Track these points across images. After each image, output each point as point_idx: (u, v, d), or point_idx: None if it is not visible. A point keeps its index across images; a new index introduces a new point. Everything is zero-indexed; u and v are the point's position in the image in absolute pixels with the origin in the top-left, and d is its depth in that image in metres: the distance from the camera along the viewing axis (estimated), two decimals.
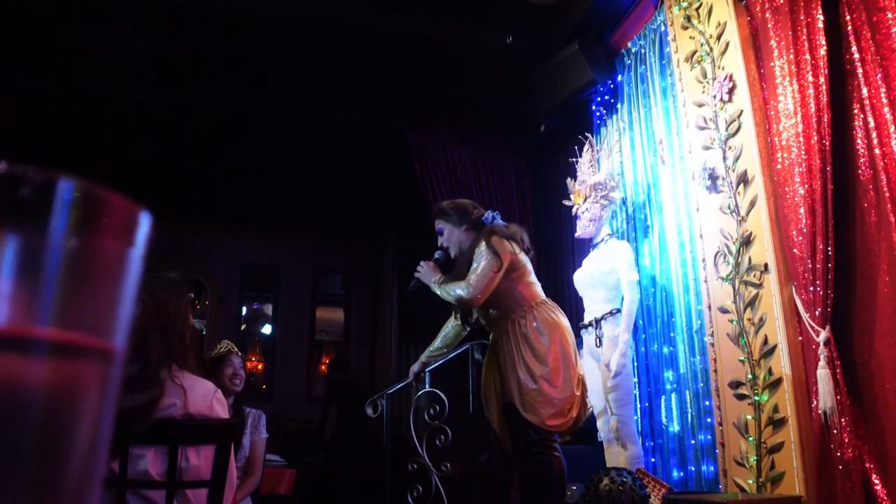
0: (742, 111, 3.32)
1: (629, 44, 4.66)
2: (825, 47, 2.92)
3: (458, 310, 3.21)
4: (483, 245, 2.98)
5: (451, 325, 3.44)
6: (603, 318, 4.03)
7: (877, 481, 2.63)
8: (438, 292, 3.07)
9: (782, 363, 2.99)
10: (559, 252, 5.40)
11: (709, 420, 3.53)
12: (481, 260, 2.94)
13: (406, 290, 3.26)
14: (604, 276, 4.07)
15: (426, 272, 3.12)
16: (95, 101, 5.39)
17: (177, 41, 4.90)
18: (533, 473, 2.94)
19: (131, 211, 0.28)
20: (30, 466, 0.25)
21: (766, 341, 3.08)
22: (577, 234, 4.47)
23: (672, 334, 3.96)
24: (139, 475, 1.76)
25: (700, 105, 3.59)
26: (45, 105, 5.49)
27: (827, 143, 2.86)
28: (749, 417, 3.11)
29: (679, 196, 3.95)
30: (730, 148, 3.37)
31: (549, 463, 2.90)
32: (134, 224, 0.28)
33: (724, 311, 3.31)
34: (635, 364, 4.25)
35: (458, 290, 2.94)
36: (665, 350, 4.01)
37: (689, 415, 3.73)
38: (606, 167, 4.59)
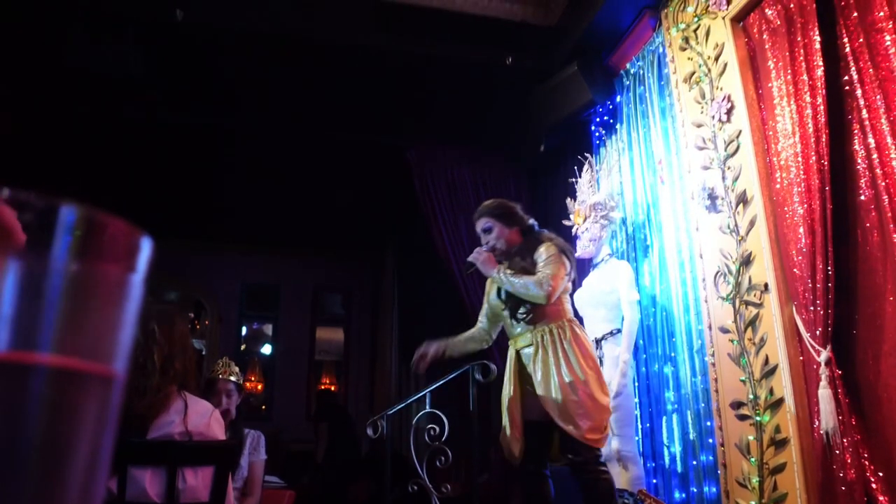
0: (741, 131, 3.34)
1: (628, 65, 4.68)
2: (822, 68, 2.94)
3: (509, 305, 3.18)
4: (554, 250, 3.06)
5: (475, 330, 3.42)
6: (603, 337, 4.02)
7: (883, 501, 2.60)
8: (503, 281, 3.07)
9: (783, 383, 2.98)
10: None
11: (710, 440, 3.51)
12: (555, 263, 3.00)
13: (465, 271, 3.38)
14: (604, 296, 4.07)
15: (485, 261, 3.13)
16: (96, 119, 5.41)
17: (178, 60, 4.92)
18: (587, 491, 2.92)
19: (132, 236, 0.28)
20: (30, 489, 0.25)
21: (766, 361, 3.07)
22: (577, 254, 4.45)
23: (673, 354, 3.94)
24: (137, 495, 1.75)
25: (699, 125, 3.61)
26: (46, 123, 5.51)
27: (825, 163, 2.87)
28: (751, 438, 3.09)
29: (679, 216, 3.96)
30: (729, 168, 3.38)
31: (598, 480, 2.90)
32: (135, 249, 0.28)
33: (724, 330, 3.30)
34: (636, 384, 4.23)
35: (530, 283, 2.96)
36: (666, 370, 3.99)
37: (691, 435, 3.71)
38: (606, 187, 4.60)
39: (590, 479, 2.90)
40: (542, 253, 3.04)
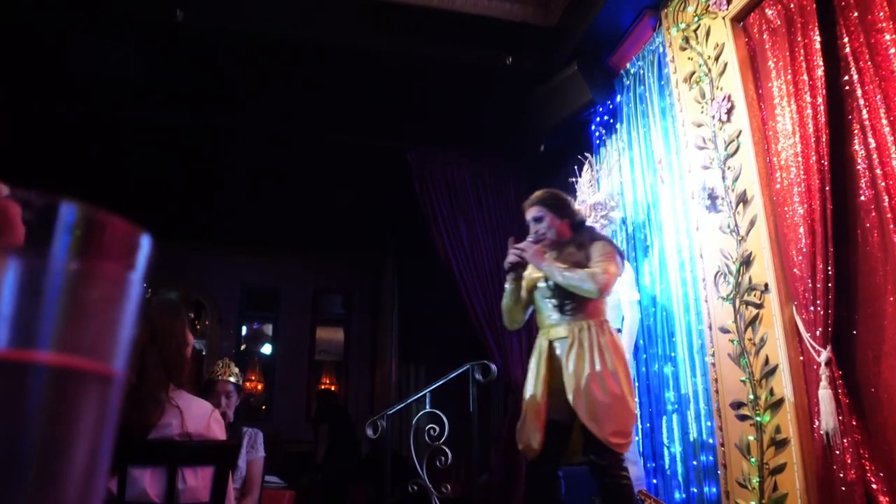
0: (741, 131, 3.34)
1: (628, 65, 4.69)
2: (822, 68, 2.94)
3: (555, 297, 3.11)
4: (611, 248, 3.07)
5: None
6: None
7: (883, 501, 2.60)
8: (553, 274, 3.02)
9: (784, 383, 2.98)
10: None
11: (710, 441, 3.51)
12: (610, 260, 3.00)
13: (511, 266, 3.17)
14: None
15: (535, 253, 3.08)
16: (97, 120, 5.41)
17: (178, 61, 4.92)
18: (606, 495, 2.89)
19: (132, 234, 0.28)
20: (30, 488, 0.25)
21: (767, 361, 3.07)
22: None
23: (673, 354, 3.94)
24: (137, 496, 1.75)
25: (699, 125, 3.61)
26: (46, 125, 5.51)
27: (826, 163, 2.87)
28: (751, 438, 3.09)
29: (679, 215, 3.96)
30: (729, 168, 3.38)
31: (620, 486, 2.87)
32: (134, 247, 0.28)
33: (724, 330, 3.30)
34: (636, 384, 4.23)
35: (584, 276, 2.94)
36: (666, 370, 3.99)
37: (691, 436, 3.71)
38: (606, 187, 4.60)
39: (611, 483, 2.84)
40: (598, 249, 3.04)
